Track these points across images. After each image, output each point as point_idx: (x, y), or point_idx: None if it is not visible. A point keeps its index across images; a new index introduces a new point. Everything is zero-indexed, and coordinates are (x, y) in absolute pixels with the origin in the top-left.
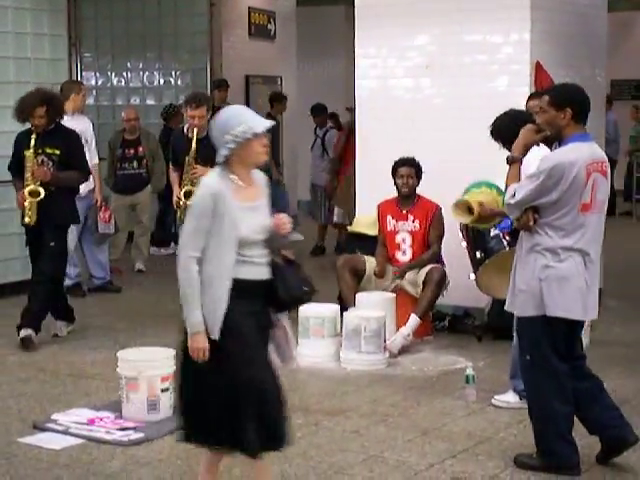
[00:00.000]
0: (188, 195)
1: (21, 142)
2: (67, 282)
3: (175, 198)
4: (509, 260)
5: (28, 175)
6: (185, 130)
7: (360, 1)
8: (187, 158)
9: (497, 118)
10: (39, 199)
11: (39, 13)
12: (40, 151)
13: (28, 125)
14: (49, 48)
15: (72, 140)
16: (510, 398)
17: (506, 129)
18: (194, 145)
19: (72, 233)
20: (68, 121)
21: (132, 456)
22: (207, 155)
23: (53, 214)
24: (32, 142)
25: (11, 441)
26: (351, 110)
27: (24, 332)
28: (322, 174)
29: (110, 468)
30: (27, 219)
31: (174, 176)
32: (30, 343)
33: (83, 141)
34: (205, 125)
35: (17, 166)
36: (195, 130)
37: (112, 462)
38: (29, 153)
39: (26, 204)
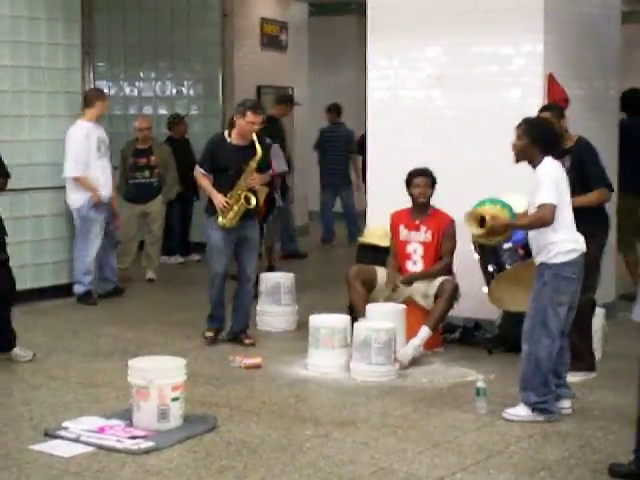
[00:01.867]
0: (248, 200)
1: None
2: (79, 289)
3: (222, 203)
4: (522, 273)
5: None
6: (226, 136)
7: (372, 12)
8: (251, 163)
9: None
10: None
11: (53, 23)
12: None
13: None
14: (63, 57)
15: None
16: (522, 411)
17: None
18: (260, 151)
19: (96, 240)
20: (92, 128)
21: (142, 465)
22: (266, 162)
23: None
24: None
25: (22, 448)
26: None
27: (25, 352)
28: None
29: (120, 476)
30: None
31: (206, 181)
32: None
33: (104, 149)
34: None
35: None
36: (255, 136)
37: (122, 470)
38: None
39: None
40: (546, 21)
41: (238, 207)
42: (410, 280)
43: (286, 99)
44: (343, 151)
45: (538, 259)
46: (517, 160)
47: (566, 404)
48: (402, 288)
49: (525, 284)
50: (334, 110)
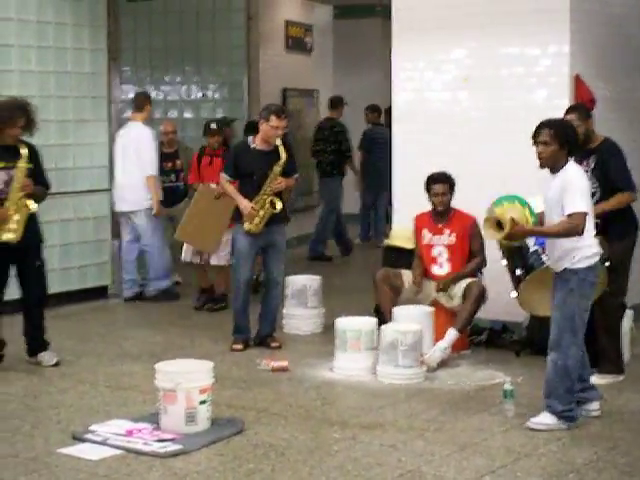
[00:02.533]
0: (274, 206)
1: None
2: (159, 285)
3: (249, 209)
4: (549, 276)
5: (17, 188)
6: (251, 142)
7: (397, 14)
8: (275, 167)
9: None
10: (32, 212)
11: (79, 28)
12: (11, 164)
13: None
14: (89, 62)
15: (38, 155)
16: (547, 420)
17: None
18: (284, 155)
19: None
20: (142, 128)
21: (170, 468)
22: (290, 167)
23: (35, 232)
24: (25, 152)
25: (51, 451)
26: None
27: (51, 358)
28: None
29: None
30: (11, 235)
31: (232, 187)
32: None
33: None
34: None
35: None
36: (277, 139)
37: (150, 474)
38: (23, 165)
39: (16, 218)
40: (572, 22)
41: (264, 212)
42: (448, 285)
43: (340, 101)
44: (386, 152)
45: (560, 264)
46: (544, 166)
47: (595, 406)
48: (427, 290)
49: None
50: (376, 111)
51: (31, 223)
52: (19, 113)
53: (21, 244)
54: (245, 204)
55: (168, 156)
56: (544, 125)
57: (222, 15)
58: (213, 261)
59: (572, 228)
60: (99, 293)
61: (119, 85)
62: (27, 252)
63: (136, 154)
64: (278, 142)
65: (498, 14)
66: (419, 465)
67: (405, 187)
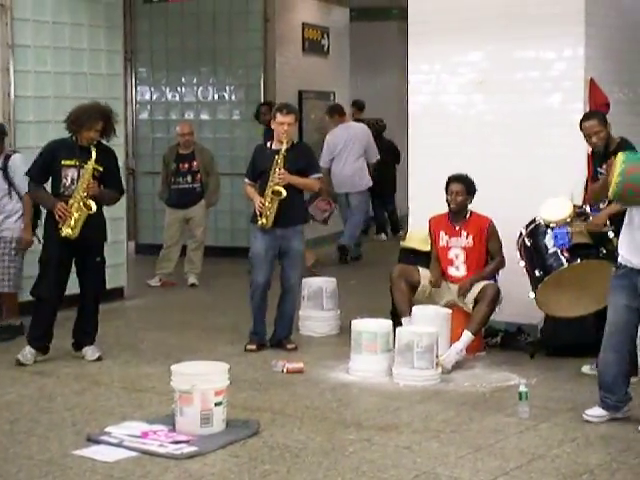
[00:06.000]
0: (278, 194)
1: (58, 150)
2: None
3: (259, 204)
4: (568, 277)
5: (82, 187)
6: (268, 144)
7: (413, 17)
8: (277, 157)
9: None
10: (91, 212)
11: (96, 29)
12: (82, 165)
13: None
14: (105, 63)
15: (113, 159)
16: None
17: None
18: (284, 148)
19: None
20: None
21: (185, 470)
22: (295, 162)
23: (99, 231)
24: (94, 155)
25: (66, 453)
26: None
27: (94, 353)
28: None
29: None
30: (68, 231)
31: (251, 189)
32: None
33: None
34: (292, 134)
35: (45, 174)
36: (285, 135)
37: (165, 475)
38: (90, 166)
39: (76, 215)
40: (587, 26)
41: (270, 203)
42: (468, 289)
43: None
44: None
45: None
46: None
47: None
48: (442, 292)
49: (571, 288)
50: (352, 107)
51: (95, 221)
52: (98, 117)
53: (82, 241)
54: (257, 200)
55: (184, 157)
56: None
57: (239, 17)
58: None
59: None
60: (115, 294)
61: (135, 86)
62: (88, 249)
63: None
64: (284, 141)
65: (514, 18)
66: (434, 466)
67: (420, 189)
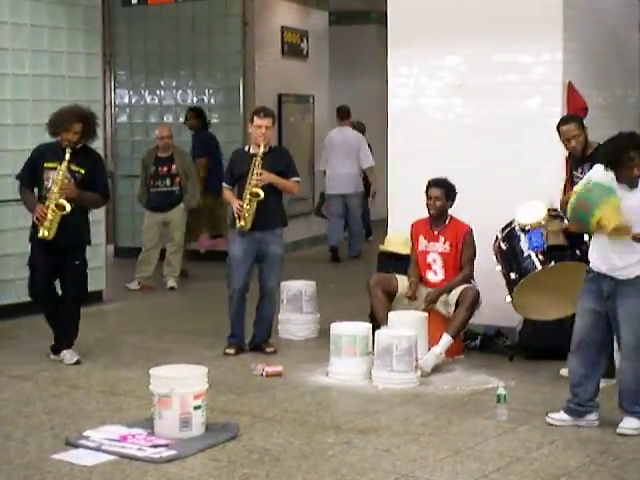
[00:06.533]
0: (256, 195)
1: (42, 154)
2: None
3: (236, 207)
4: (543, 279)
5: (56, 188)
6: (246, 148)
7: (392, 21)
8: (254, 160)
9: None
10: (64, 213)
11: (74, 32)
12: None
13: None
14: (84, 66)
15: (97, 162)
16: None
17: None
18: (262, 150)
19: None
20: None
21: (165, 473)
22: (273, 165)
23: (77, 233)
24: (67, 156)
25: (44, 457)
26: None
27: (72, 357)
28: None
29: None
30: (45, 232)
31: (229, 193)
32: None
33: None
34: (271, 137)
35: (31, 177)
36: (262, 139)
37: (144, 479)
38: (62, 167)
39: (49, 216)
40: (565, 30)
41: (249, 205)
42: (435, 300)
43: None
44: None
45: (632, 271)
46: (637, 185)
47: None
48: (422, 297)
49: (547, 291)
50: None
51: (73, 224)
52: (75, 119)
53: (60, 243)
54: (235, 205)
55: (163, 160)
56: (633, 146)
57: (218, 20)
58: None
59: None
60: (94, 298)
61: (114, 89)
62: (66, 251)
63: None
64: (262, 144)
65: (493, 22)
66: (413, 470)
67: (399, 193)
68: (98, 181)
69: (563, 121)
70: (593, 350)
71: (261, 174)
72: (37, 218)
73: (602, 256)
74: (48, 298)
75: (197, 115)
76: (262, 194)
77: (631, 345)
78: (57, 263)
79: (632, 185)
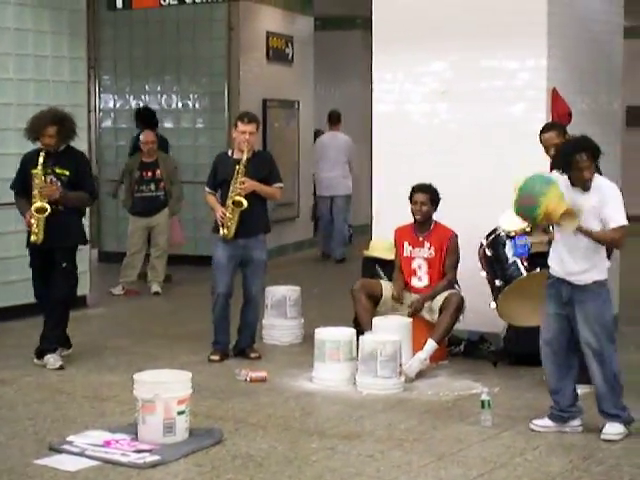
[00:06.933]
0: (239, 204)
1: (29, 161)
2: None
3: (219, 214)
4: (528, 285)
5: (35, 192)
6: (230, 153)
7: (377, 27)
8: (237, 167)
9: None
10: (46, 215)
11: (59, 36)
12: (49, 171)
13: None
14: (68, 71)
15: (81, 162)
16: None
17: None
18: (245, 157)
19: None
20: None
21: (148, 479)
22: (256, 171)
23: (64, 235)
24: (40, 160)
25: (27, 462)
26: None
27: (56, 361)
28: None
29: None
30: (33, 237)
31: (212, 199)
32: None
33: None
34: (254, 143)
35: (22, 185)
36: (246, 144)
37: None
38: (37, 171)
39: (32, 221)
40: (550, 36)
41: (232, 214)
42: (419, 308)
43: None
44: None
45: (588, 277)
46: (589, 188)
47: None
48: (407, 301)
49: (531, 297)
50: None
51: (58, 225)
52: (48, 123)
53: (47, 245)
54: (218, 210)
55: (148, 165)
56: (581, 148)
57: (203, 25)
58: None
59: (616, 241)
60: (78, 303)
61: (99, 94)
62: (52, 254)
63: None
64: (245, 150)
65: (477, 28)
66: (397, 475)
67: (384, 198)
68: (84, 180)
69: (544, 129)
70: (562, 353)
71: (244, 182)
72: (27, 225)
73: (559, 261)
74: (43, 301)
75: (144, 115)
76: (245, 203)
77: (594, 348)
78: (47, 265)
79: (585, 188)
